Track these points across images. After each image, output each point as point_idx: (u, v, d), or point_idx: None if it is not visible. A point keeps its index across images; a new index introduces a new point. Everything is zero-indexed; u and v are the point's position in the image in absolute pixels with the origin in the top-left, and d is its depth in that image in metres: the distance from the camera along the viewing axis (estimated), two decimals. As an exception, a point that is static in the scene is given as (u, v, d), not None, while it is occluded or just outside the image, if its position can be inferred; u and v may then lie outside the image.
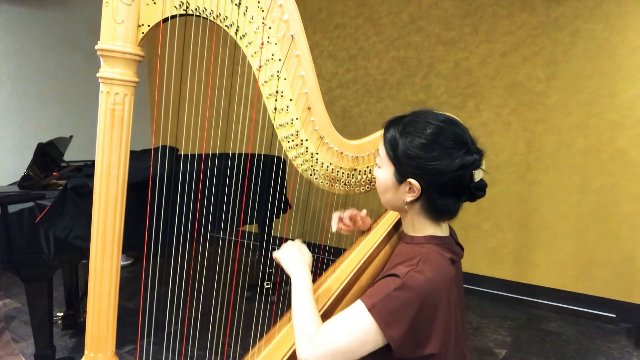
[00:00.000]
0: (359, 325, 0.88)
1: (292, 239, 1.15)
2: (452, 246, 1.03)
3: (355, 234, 1.41)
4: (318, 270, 1.37)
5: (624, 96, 2.77)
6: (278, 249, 1.14)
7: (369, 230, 1.33)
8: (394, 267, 0.95)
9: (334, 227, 1.31)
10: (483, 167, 0.96)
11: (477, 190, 0.97)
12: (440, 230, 1.02)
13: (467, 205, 1.01)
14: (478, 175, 0.95)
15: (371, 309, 0.87)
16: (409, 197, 0.98)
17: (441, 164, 0.92)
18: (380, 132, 1.15)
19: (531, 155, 3.07)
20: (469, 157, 0.93)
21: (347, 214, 1.32)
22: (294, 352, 1.06)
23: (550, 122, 2.99)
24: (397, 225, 1.30)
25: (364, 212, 1.34)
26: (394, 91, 3.50)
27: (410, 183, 0.96)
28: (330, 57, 3.72)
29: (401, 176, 0.97)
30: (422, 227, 1.01)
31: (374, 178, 1.21)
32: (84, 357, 1.05)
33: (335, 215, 1.32)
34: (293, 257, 1.08)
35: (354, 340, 0.88)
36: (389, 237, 1.26)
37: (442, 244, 1.00)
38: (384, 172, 1.01)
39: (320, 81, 3.71)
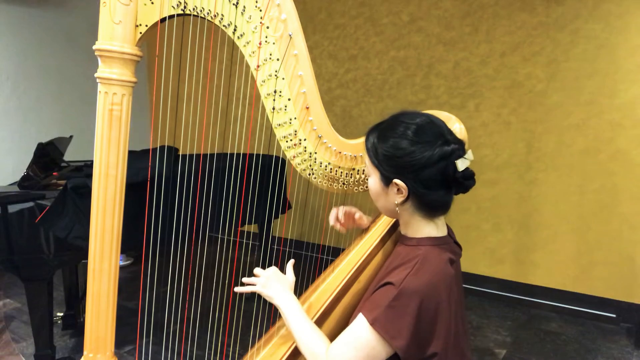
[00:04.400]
0: (364, 341, 0.90)
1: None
2: (450, 246, 1.03)
3: (354, 233, 1.41)
4: (317, 270, 1.37)
5: (624, 96, 2.77)
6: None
7: (367, 229, 1.33)
8: (390, 272, 0.96)
9: (331, 221, 1.33)
10: (468, 156, 0.96)
11: (465, 180, 0.97)
12: (437, 230, 1.02)
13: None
14: (462, 164, 0.95)
15: (373, 323, 0.89)
16: (398, 199, 0.98)
17: (421, 158, 0.93)
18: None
19: (531, 155, 3.06)
20: (447, 147, 0.94)
21: (342, 211, 1.33)
22: (293, 352, 1.07)
23: (550, 122, 2.98)
24: (396, 224, 1.30)
25: (358, 214, 1.35)
26: (394, 91, 3.50)
27: (396, 184, 0.96)
28: (330, 57, 3.72)
29: (386, 179, 0.98)
30: (418, 227, 1.01)
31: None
32: (83, 358, 1.05)
33: (333, 212, 1.33)
34: (271, 285, 1.08)
35: (362, 355, 0.89)
36: (387, 236, 1.26)
37: (440, 244, 1.00)
38: (372, 180, 1.03)
39: (320, 81, 3.73)
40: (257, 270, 1.13)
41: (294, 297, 1.06)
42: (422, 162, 0.93)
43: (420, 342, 0.90)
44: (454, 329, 0.96)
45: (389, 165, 0.96)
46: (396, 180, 0.96)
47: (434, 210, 1.00)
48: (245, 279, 1.12)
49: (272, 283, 1.08)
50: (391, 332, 0.88)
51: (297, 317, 1.01)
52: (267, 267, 1.11)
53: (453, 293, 0.96)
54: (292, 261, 1.18)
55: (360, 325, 0.91)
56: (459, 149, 0.95)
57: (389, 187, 0.99)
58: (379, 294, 0.93)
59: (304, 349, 0.98)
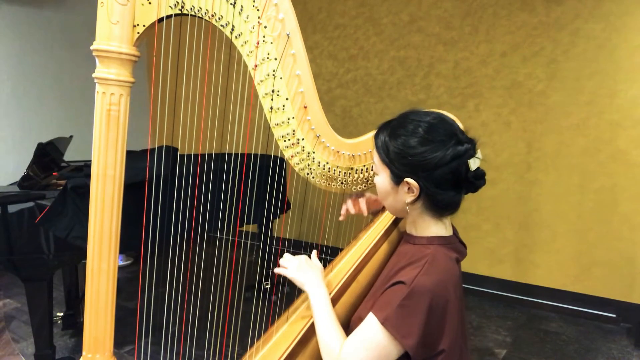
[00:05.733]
0: (375, 340, 0.89)
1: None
2: (456, 245, 1.03)
3: (352, 233, 1.41)
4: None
5: (624, 96, 2.76)
6: (280, 254, 1.14)
7: (366, 228, 1.33)
8: (400, 271, 0.95)
9: (351, 209, 1.32)
10: (479, 155, 0.96)
11: (477, 180, 0.97)
12: (444, 229, 1.02)
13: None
14: (474, 164, 0.95)
15: (384, 322, 0.89)
16: (409, 198, 0.97)
17: (434, 157, 0.92)
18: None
19: (531, 155, 3.06)
20: (460, 147, 0.93)
21: (363, 203, 1.32)
22: (292, 351, 1.07)
23: (550, 122, 2.98)
24: (395, 223, 1.29)
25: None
26: (394, 91, 3.50)
27: (407, 183, 0.96)
28: (330, 57, 3.72)
29: (397, 178, 0.97)
30: (425, 226, 1.01)
31: (372, 177, 1.21)
32: (82, 358, 1.05)
33: (349, 203, 1.32)
34: (306, 273, 1.09)
35: (373, 355, 0.89)
36: (386, 235, 1.26)
37: (447, 243, 1.00)
38: (381, 178, 1.02)
39: (320, 81, 3.73)
40: (287, 256, 1.13)
41: (325, 287, 1.06)
42: (434, 161, 0.92)
43: (429, 341, 0.90)
44: (457, 327, 0.96)
45: (401, 163, 0.95)
46: (408, 179, 0.95)
47: (443, 209, 1.00)
48: (276, 270, 1.13)
49: (305, 269, 1.09)
50: (402, 331, 0.87)
51: (323, 309, 1.01)
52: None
53: (458, 292, 0.96)
54: (315, 251, 1.19)
55: (371, 325, 0.90)
56: (471, 148, 0.95)
57: (399, 186, 0.98)
58: (389, 293, 0.92)
59: (320, 341, 0.98)
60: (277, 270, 1.12)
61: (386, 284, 0.96)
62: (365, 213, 1.32)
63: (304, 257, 1.13)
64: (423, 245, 0.99)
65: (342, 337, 0.96)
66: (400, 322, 0.88)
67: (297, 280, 1.08)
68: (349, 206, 1.32)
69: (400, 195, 0.99)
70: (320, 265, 1.15)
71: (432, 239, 1.00)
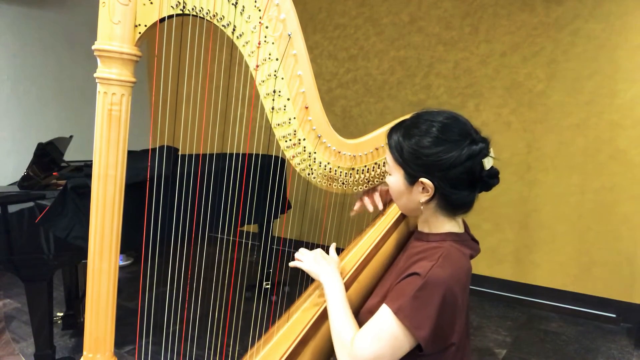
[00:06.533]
0: (388, 330, 0.89)
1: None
2: (469, 242, 1.04)
3: (353, 232, 1.40)
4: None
5: (624, 96, 2.76)
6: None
7: (366, 229, 1.33)
8: (414, 264, 0.95)
9: (370, 206, 1.31)
10: (492, 154, 0.96)
11: (491, 179, 0.97)
12: (457, 227, 1.02)
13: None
14: (488, 163, 0.95)
15: (397, 313, 0.89)
16: (424, 197, 0.97)
17: (449, 157, 0.92)
18: (379, 131, 1.15)
19: (531, 155, 3.06)
20: (475, 146, 0.94)
21: (377, 197, 1.30)
22: (293, 351, 1.07)
23: (550, 122, 2.98)
24: (398, 221, 1.29)
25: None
26: (394, 91, 3.50)
27: (422, 183, 0.96)
28: (330, 57, 3.72)
29: (412, 178, 0.97)
30: (439, 225, 1.01)
31: (373, 178, 1.21)
32: (82, 358, 1.05)
33: (365, 199, 1.31)
34: (321, 265, 1.10)
35: (386, 345, 0.89)
36: (388, 235, 1.25)
37: (460, 240, 1.01)
38: (395, 178, 1.01)
39: (320, 81, 3.73)
40: (302, 250, 1.15)
41: (340, 278, 1.07)
42: (450, 161, 0.92)
43: (441, 334, 0.90)
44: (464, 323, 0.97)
45: (416, 164, 0.95)
46: (423, 179, 0.95)
47: (457, 209, 1.00)
48: (292, 263, 1.14)
49: (320, 260, 1.11)
50: (415, 322, 0.87)
51: (337, 299, 1.02)
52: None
53: (467, 289, 0.97)
54: (334, 244, 1.21)
55: (384, 315, 0.90)
56: (485, 147, 0.95)
57: (413, 186, 0.98)
58: (403, 285, 0.92)
59: (333, 332, 0.98)
60: (292, 264, 1.14)
61: (398, 278, 0.96)
62: (380, 207, 1.31)
63: (319, 250, 1.14)
64: (436, 241, 1.00)
65: (356, 328, 0.96)
66: (413, 313, 0.87)
67: (313, 272, 1.10)
68: (365, 202, 1.31)
69: (414, 195, 0.99)
70: (336, 258, 1.16)
71: (446, 236, 1.00)
